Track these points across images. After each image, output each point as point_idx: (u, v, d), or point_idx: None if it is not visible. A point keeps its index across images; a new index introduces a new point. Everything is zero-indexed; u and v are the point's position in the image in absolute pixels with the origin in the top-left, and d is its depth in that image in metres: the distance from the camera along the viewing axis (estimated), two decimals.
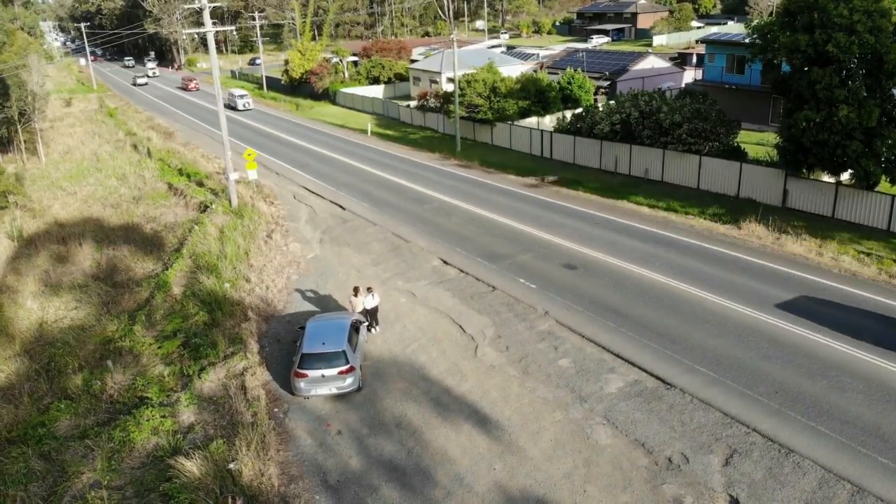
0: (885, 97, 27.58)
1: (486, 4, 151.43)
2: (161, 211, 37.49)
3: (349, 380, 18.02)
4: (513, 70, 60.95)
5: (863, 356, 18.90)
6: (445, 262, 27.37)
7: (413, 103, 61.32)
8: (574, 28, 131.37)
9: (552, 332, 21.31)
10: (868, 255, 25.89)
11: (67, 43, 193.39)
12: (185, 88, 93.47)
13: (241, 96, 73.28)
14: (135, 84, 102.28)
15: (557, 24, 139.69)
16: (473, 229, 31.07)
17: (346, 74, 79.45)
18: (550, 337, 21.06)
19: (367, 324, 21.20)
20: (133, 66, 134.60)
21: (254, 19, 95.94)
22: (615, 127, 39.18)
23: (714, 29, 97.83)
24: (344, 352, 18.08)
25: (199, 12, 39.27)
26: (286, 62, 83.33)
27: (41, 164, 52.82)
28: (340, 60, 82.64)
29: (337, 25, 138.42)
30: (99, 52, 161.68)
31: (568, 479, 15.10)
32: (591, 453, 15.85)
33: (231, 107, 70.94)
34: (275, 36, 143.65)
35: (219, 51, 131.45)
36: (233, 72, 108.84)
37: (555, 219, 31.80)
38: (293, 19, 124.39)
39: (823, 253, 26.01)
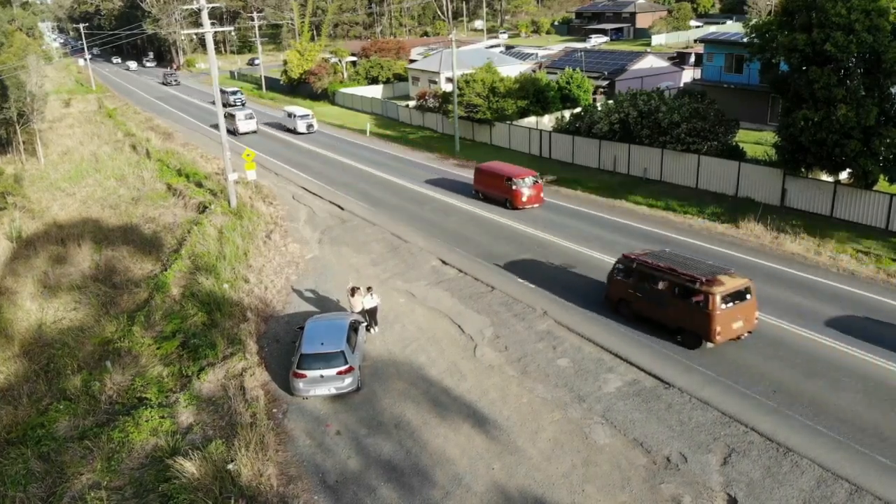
0: (883, 96, 27.59)
1: (484, 4, 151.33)
2: (160, 211, 37.49)
3: (348, 380, 18.05)
4: (511, 70, 60.96)
5: (861, 355, 18.93)
6: (444, 262, 27.38)
7: (412, 103, 61.28)
8: (573, 28, 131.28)
9: (551, 332, 21.33)
10: (866, 253, 25.93)
11: (67, 43, 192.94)
12: None
13: (303, 116, 56.71)
14: (83, 59, 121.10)
15: (556, 23, 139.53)
16: (472, 229, 31.09)
17: (345, 74, 79.44)
18: (549, 337, 21.08)
19: (366, 324, 21.21)
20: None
21: (252, 19, 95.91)
22: (614, 126, 39.19)
23: (713, 28, 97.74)
24: (343, 352, 18.09)
25: (198, 13, 39.29)
26: (285, 62, 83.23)
27: (40, 164, 52.82)
28: (339, 60, 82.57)
29: (335, 25, 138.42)
30: (123, 61, 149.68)
31: (566, 478, 15.12)
32: (590, 453, 15.87)
33: (290, 129, 57.21)
34: (273, 36, 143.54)
35: (217, 51, 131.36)
36: (232, 72, 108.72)
37: (553, 218, 31.81)
38: (292, 19, 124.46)
39: (822, 252, 26.03)
